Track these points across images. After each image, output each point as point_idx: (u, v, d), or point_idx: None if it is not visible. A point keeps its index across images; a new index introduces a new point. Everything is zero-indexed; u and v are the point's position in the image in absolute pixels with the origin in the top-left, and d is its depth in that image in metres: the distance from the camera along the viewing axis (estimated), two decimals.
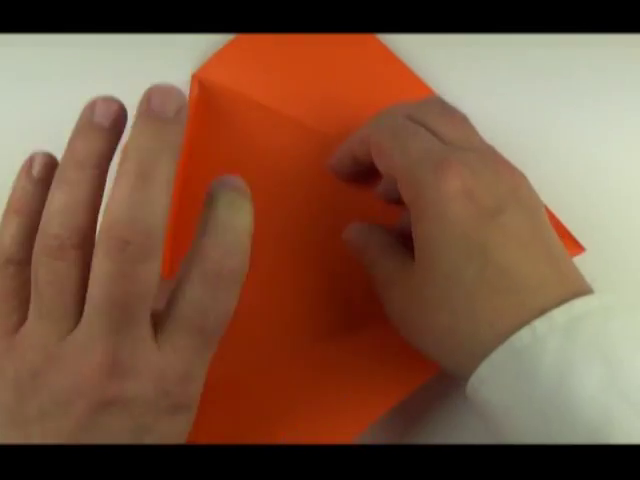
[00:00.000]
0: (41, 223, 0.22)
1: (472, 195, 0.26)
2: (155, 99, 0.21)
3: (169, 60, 0.34)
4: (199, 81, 0.31)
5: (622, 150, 0.36)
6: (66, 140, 0.23)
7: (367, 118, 0.30)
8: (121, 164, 0.22)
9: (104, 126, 0.22)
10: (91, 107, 0.22)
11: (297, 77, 0.33)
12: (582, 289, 0.26)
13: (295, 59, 0.33)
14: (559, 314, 0.24)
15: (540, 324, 0.24)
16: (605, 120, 0.36)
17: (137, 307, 0.22)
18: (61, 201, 0.22)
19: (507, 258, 0.25)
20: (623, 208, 0.35)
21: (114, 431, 0.23)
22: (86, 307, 0.22)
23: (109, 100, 0.22)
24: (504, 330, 0.25)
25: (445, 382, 0.32)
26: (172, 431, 0.24)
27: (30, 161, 0.25)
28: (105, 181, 0.23)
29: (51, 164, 0.25)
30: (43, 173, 0.25)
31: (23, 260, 0.24)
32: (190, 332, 0.23)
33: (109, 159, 0.23)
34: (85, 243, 0.22)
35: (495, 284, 0.25)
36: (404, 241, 0.29)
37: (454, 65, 0.36)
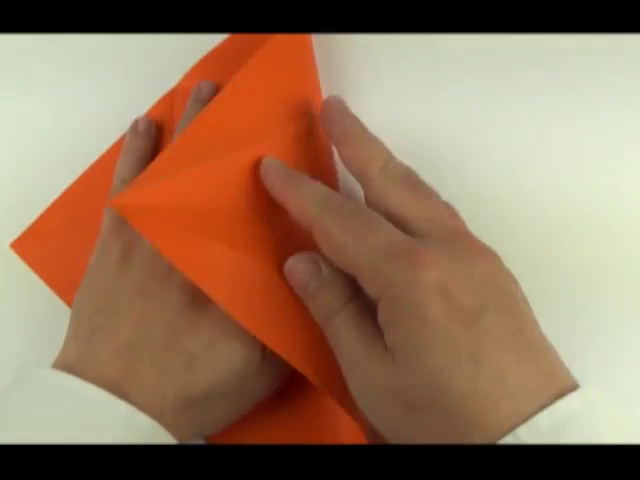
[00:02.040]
0: None
1: (448, 292, 0.24)
2: None
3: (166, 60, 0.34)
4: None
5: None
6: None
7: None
8: None
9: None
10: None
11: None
12: (565, 385, 0.24)
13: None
14: (543, 418, 0.23)
15: (523, 431, 0.23)
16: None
17: None
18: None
19: (498, 366, 0.24)
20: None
21: None
22: None
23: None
24: (494, 436, 0.24)
25: None
26: None
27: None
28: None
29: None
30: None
31: None
32: None
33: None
34: None
35: (488, 391, 0.24)
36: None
37: (429, 70, 0.36)
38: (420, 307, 0.24)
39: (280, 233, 0.29)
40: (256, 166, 0.28)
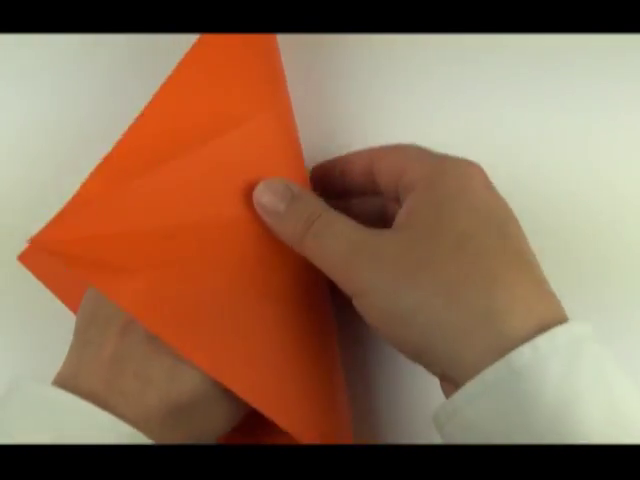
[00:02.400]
0: None
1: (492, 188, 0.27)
2: None
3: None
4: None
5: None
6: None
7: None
8: None
9: None
10: None
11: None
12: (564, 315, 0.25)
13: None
14: (562, 333, 0.23)
15: (543, 342, 0.23)
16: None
17: None
18: None
19: (523, 246, 0.25)
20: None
21: None
22: None
23: None
24: (516, 325, 0.23)
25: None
26: None
27: None
28: None
29: None
30: None
31: None
32: None
33: None
34: None
35: (513, 259, 0.25)
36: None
37: (430, 66, 0.36)
38: (466, 180, 0.27)
39: (230, 249, 0.28)
40: (204, 172, 0.28)
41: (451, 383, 0.25)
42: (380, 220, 0.31)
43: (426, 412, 0.26)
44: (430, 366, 0.26)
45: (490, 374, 0.23)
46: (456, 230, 0.25)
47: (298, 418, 0.27)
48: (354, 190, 0.32)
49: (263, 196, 0.28)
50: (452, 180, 0.26)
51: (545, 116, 0.35)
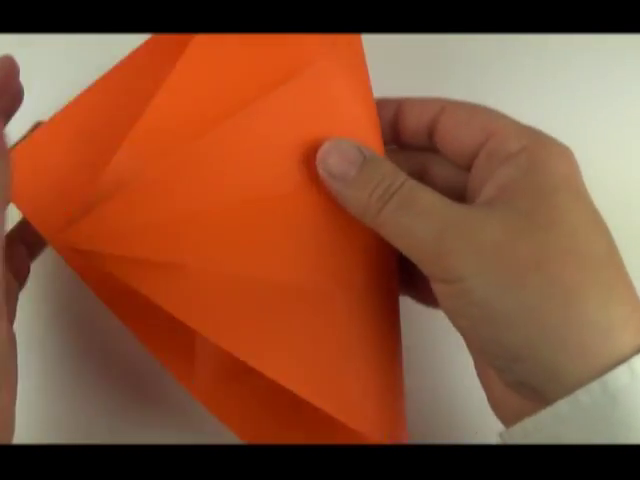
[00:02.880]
0: None
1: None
2: None
3: None
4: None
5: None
6: None
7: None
8: None
9: None
10: None
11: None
12: None
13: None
14: None
15: (637, 361, 0.21)
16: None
17: None
18: None
19: (620, 258, 0.23)
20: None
21: None
22: None
23: None
24: (628, 342, 0.21)
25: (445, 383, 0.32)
26: None
27: None
28: None
29: None
30: None
31: None
32: None
33: None
34: None
35: (622, 273, 0.23)
36: None
37: (449, 63, 0.36)
38: (574, 180, 0.24)
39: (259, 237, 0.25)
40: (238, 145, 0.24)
41: (530, 395, 0.23)
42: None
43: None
44: (515, 373, 0.23)
45: (585, 395, 0.22)
46: (568, 226, 0.23)
47: (369, 418, 0.25)
48: (402, 143, 0.28)
49: (329, 158, 0.25)
50: (559, 164, 0.24)
51: None
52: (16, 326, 0.27)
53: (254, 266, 0.25)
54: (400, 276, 0.29)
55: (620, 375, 0.21)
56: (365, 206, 0.24)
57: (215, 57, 0.25)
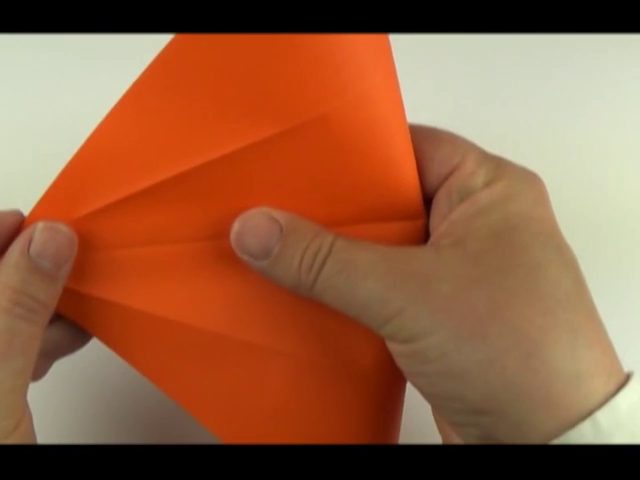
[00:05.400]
0: None
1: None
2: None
3: None
4: None
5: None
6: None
7: None
8: None
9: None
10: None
11: None
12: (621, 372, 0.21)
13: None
14: (622, 401, 0.20)
15: (602, 415, 0.20)
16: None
17: None
18: None
19: (589, 295, 0.22)
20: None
21: None
22: None
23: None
24: (599, 390, 0.20)
25: None
26: None
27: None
28: None
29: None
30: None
31: None
32: None
33: None
34: None
35: (589, 313, 0.21)
36: None
37: (452, 65, 0.36)
38: (537, 210, 0.22)
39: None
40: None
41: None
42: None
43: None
44: (479, 427, 0.21)
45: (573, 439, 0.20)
46: (525, 268, 0.21)
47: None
48: None
49: (244, 238, 0.23)
50: (522, 200, 0.22)
51: None
52: None
53: (192, 313, 0.24)
54: None
55: (584, 431, 0.20)
56: (297, 281, 0.22)
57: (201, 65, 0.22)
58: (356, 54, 0.21)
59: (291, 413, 0.25)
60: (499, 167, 0.23)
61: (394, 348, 0.22)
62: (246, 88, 0.21)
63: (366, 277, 0.21)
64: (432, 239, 0.23)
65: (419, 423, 0.31)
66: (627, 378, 0.21)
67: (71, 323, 0.25)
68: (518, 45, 0.37)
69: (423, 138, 0.24)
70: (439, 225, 0.23)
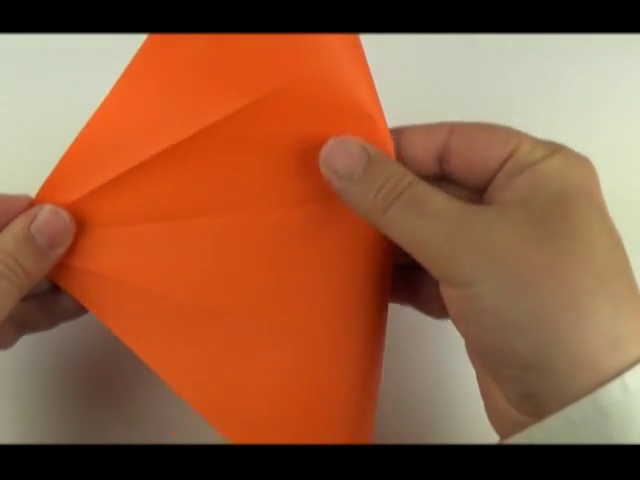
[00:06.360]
0: None
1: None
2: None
3: None
4: None
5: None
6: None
7: None
8: None
9: None
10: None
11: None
12: None
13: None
14: None
15: (632, 379, 0.21)
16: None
17: None
18: None
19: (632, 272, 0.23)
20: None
21: None
22: None
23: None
24: (634, 356, 0.21)
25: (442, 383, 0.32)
26: None
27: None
28: None
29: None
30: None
31: None
32: None
33: None
34: None
35: (631, 285, 0.23)
36: None
37: (452, 66, 0.36)
38: (594, 196, 0.23)
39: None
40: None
41: (530, 410, 0.23)
42: None
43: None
44: (521, 383, 0.22)
45: (575, 412, 0.21)
46: (582, 235, 0.22)
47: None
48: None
49: (333, 156, 0.24)
50: (578, 174, 0.24)
51: None
52: None
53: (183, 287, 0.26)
54: (403, 286, 0.29)
55: (612, 390, 0.21)
56: (370, 205, 0.24)
57: (177, 58, 0.25)
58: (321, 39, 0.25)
59: (265, 383, 0.26)
60: (554, 146, 0.24)
61: (449, 293, 0.23)
62: (216, 70, 0.24)
63: (436, 216, 0.23)
64: (497, 203, 0.25)
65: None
66: None
67: (46, 301, 0.28)
68: (518, 45, 0.36)
69: (479, 128, 0.26)
70: (500, 193, 0.25)
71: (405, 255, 0.25)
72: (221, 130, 0.24)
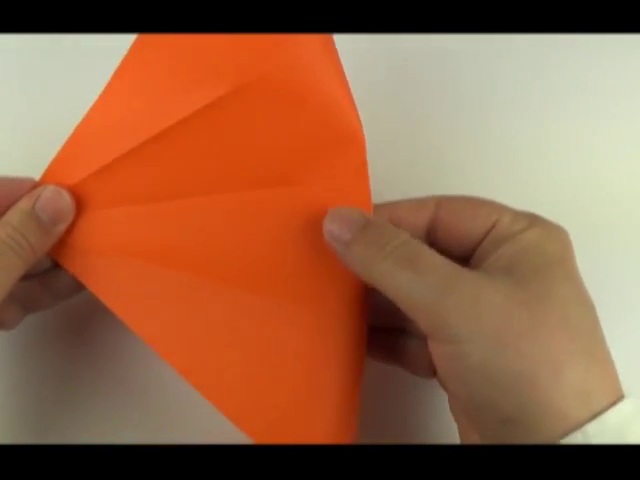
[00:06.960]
0: None
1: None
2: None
3: None
4: None
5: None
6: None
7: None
8: None
9: None
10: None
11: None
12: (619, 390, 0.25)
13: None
14: (612, 416, 0.23)
15: (592, 428, 0.23)
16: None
17: None
18: None
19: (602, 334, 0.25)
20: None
21: None
22: None
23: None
24: (595, 407, 0.23)
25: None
26: None
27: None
28: None
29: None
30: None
31: None
32: None
33: None
34: None
35: (602, 345, 0.24)
36: None
37: (453, 64, 0.36)
38: (566, 260, 0.25)
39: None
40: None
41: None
42: None
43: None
44: (502, 436, 0.24)
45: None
46: (559, 300, 0.24)
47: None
48: None
49: (332, 224, 0.26)
50: (554, 245, 0.26)
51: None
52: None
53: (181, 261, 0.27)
54: (391, 348, 0.30)
55: (574, 439, 0.23)
56: (365, 260, 0.26)
57: (158, 59, 0.27)
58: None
59: (257, 357, 0.27)
60: (533, 218, 0.26)
61: (437, 349, 0.25)
62: (199, 65, 0.27)
63: (430, 272, 0.24)
64: (483, 269, 0.26)
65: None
66: (621, 398, 0.24)
67: (47, 279, 0.29)
68: (518, 45, 0.36)
69: (465, 202, 0.28)
70: (484, 261, 0.26)
71: (391, 318, 0.27)
72: (205, 117, 0.27)
